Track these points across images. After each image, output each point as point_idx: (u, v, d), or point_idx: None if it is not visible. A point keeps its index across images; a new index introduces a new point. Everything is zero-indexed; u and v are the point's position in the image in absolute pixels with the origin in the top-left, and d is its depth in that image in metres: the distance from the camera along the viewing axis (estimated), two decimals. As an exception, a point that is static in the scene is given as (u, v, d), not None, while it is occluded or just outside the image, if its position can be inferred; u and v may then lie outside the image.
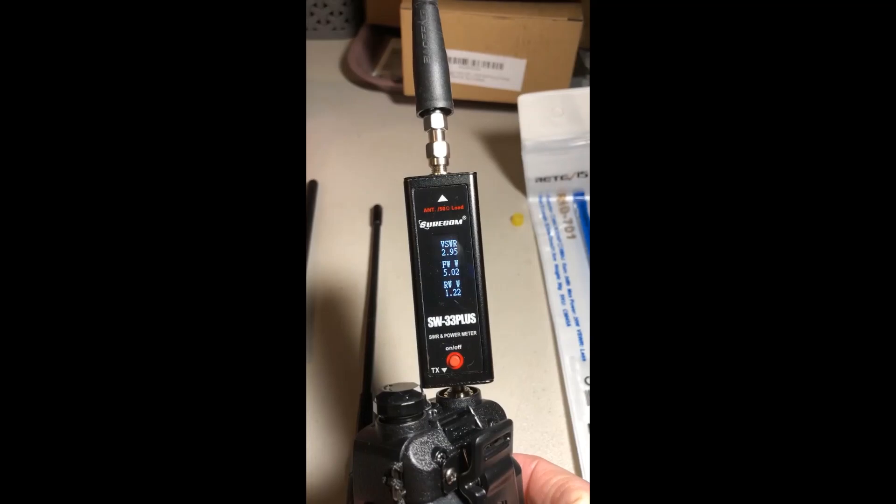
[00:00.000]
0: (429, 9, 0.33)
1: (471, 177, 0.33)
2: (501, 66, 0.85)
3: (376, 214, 0.73)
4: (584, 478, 0.49)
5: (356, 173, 0.81)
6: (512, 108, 0.70)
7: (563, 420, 0.54)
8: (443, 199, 0.33)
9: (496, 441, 0.30)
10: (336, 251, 0.70)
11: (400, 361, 0.59)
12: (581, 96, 0.69)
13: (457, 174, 0.33)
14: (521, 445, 0.52)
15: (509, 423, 0.32)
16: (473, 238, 0.33)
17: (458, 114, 0.90)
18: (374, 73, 0.99)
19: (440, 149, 0.33)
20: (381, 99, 0.96)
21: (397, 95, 0.94)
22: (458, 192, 0.33)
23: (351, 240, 0.71)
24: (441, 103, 0.33)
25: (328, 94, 0.96)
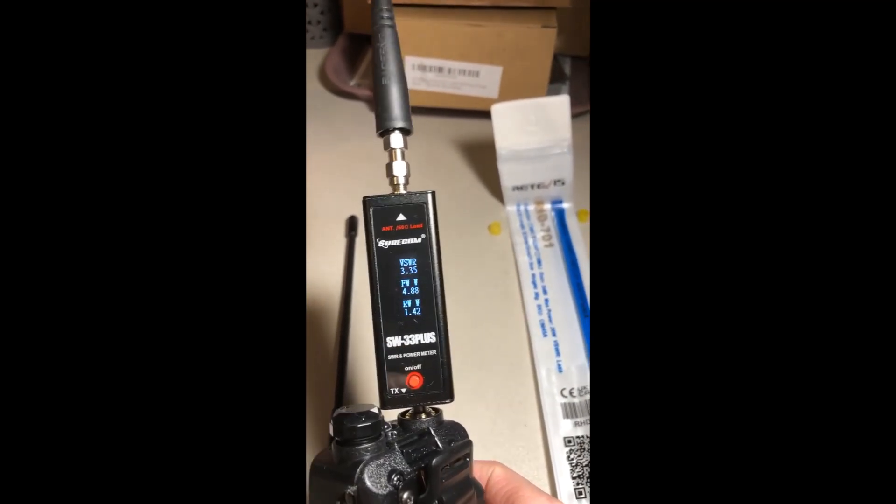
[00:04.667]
0: (387, 31, 0.34)
1: (429, 195, 0.33)
2: (477, 74, 0.84)
3: (351, 226, 0.72)
4: (559, 493, 0.48)
5: (332, 183, 0.81)
6: (490, 115, 0.70)
7: (538, 434, 0.53)
8: (401, 217, 0.33)
9: (455, 462, 0.30)
10: (310, 262, 0.69)
11: (374, 377, 0.58)
12: (554, 105, 0.69)
13: (415, 193, 0.33)
14: (496, 460, 0.51)
15: (468, 443, 0.31)
16: (432, 256, 0.33)
17: (436, 122, 0.90)
18: (352, 83, 0.99)
19: (399, 168, 0.33)
20: (359, 108, 0.95)
21: (375, 104, 0.94)
22: (416, 211, 0.33)
23: (325, 251, 0.71)
24: (400, 123, 0.33)
25: (306, 103, 0.95)
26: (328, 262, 0.69)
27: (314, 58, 1.05)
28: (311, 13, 1.06)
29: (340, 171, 0.83)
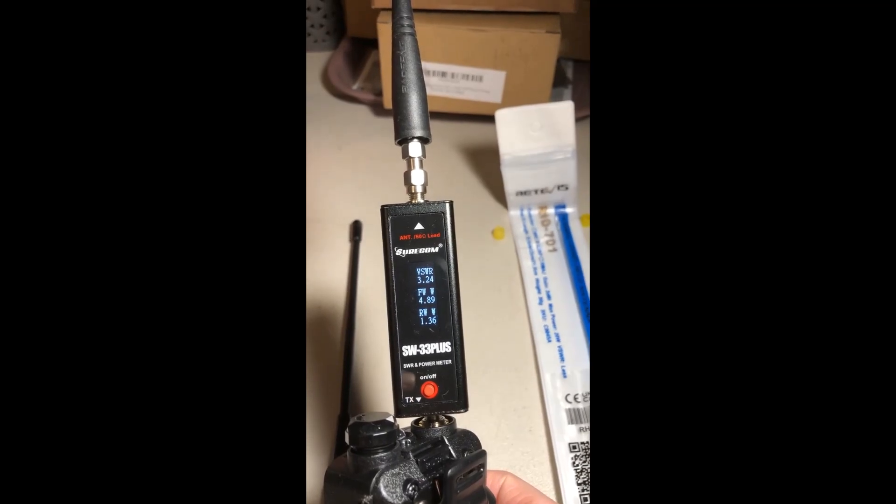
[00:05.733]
0: (407, 39, 0.34)
1: (447, 205, 0.33)
2: (481, 79, 0.84)
3: (356, 230, 0.72)
4: (565, 499, 0.48)
5: (336, 188, 0.81)
6: (493, 120, 0.70)
7: (543, 439, 0.54)
8: (419, 226, 0.33)
9: (469, 472, 0.30)
10: (314, 268, 0.69)
11: (379, 382, 0.58)
12: (559, 110, 0.69)
13: (434, 202, 0.33)
14: (501, 466, 0.51)
15: (483, 453, 0.31)
16: (449, 266, 0.33)
17: (439, 126, 0.90)
18: (355, 86, 0.99)
19: (418, 177, 0.33)
20: (362, 112, 0.95)
21: (378, 108, 0.94)
22: (434, 220, 0.33)
23: (329, 256, 0.71)
24: (419, 132, 0.33)
25: (308, 107, 0.95)
26: (332, 267, 0.69)
27: (317, 61, 1.05)
28: (314, 17, 1.06)
29: (344, 176, 0.83)
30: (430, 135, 0.34)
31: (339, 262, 0.70)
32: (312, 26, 1.07)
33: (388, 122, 0.94)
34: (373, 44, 1.04)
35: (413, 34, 0.34)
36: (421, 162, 0.34)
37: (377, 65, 1.02)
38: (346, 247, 0.72)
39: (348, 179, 0.82)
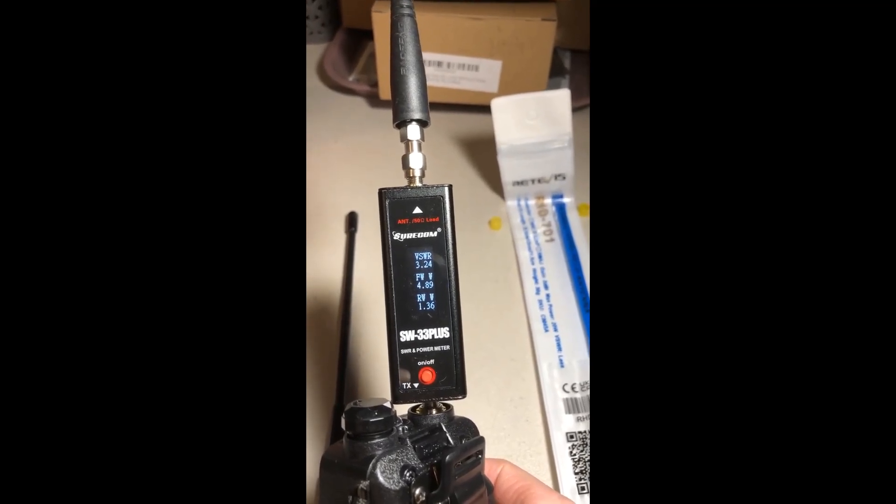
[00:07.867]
0: (406, 21, 0.33)
1: (446, 189, 0.33)
2: (477, 68, 0.84)
3: (351, 222, 0.72)
4: (562, 488, 0.48)
5: (331, 179, 0.80)
6: (489, 110, 0.70)
7: (540, 429, 0.53)
8: (417, 210, 0.32)
9: (467, 459, 0.30)
10: (310, 259, 0.69)
11: (375, 372, 0.58)
12: (556, 98, 0.69)
13: (432, 186, 0.33)
14: (498, 456, 0.51)
15: (481, 440, 0.31)
16: (448, 250, 0.33)
17: (435, 117, 0.88)
18: (351, 78, 0.98)
19: (416, 160, 0.33)
20: (358, 103, 0.95)
21: (374, 99, 0.93)
22: (433, 204, 0.32)
23: (325, 248, 0.70)
24: (417, 115, 0.33)
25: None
26: (328, 259, 0.69)
27: (313, 53, 1.05)
28: (310, 8, 1.05)
29: (340, 167, 0.82)
30: (429, 118, 0.33)
31: (334, 254, 0.69)
32: (308, 18, 1.06)
33: (385, 114, 0.95)
34: (368, 35, 1.04)
35: (412, 16, 0.33)
36: (419, 145, 0.33)
37: (373, 56, 1.02)
38: (341, 238, 0.71)
39: (344, 171, 0.82)
